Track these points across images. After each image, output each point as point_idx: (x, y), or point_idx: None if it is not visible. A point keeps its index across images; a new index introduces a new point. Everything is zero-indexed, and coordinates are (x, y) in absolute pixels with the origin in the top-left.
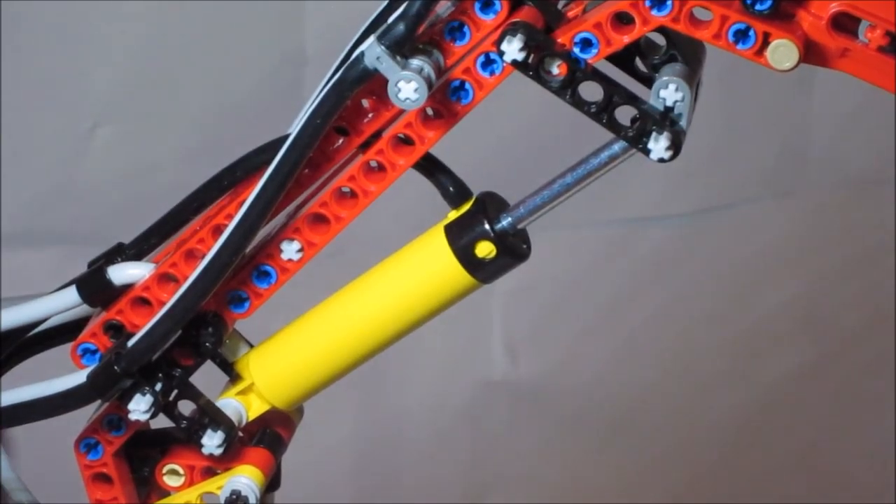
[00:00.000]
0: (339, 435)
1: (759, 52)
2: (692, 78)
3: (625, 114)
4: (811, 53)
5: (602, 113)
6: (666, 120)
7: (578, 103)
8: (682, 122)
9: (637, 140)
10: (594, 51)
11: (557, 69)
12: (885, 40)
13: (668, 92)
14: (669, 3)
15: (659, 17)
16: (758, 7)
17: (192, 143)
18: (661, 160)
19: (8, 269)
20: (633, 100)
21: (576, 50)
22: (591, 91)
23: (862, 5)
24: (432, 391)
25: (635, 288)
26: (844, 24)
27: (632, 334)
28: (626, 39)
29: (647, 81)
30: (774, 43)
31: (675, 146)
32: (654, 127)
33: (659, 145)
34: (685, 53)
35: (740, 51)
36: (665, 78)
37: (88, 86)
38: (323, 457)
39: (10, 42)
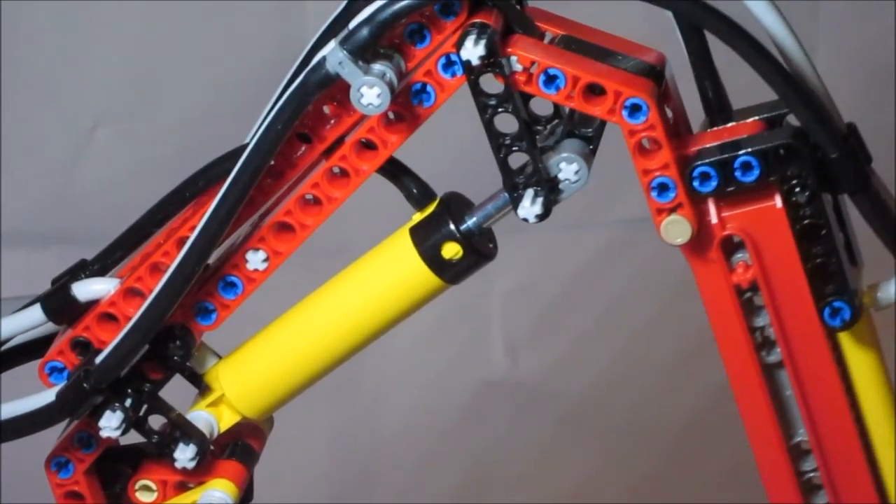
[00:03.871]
0: (339, 435)
1: (662, 211)
2: (591, 162)
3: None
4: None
5: (503, 148)
6: (550, 188)
7: (491, 126)
8: (562, 197)
9: (514, 188)
10: (552, 91)
11: (497, 82)
12: (747, 284)
13: (569, 170)
14: (643, 115)
15: (630, 122)
16: (700, 187)
17: (192, 143)
18: (525, 219)
19: (8, 269)
20: (534, 152)
21: (541, 80)
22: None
23: (761, 242)
24: (432, 391)
25: (635, 287)
26: (728, 244)
27: (631, 334)
28: (592, 111)
29: (535, 122)
30: (677, 217)
31: (545, 214)
32: (537, 187)
33: (533, 208)
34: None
35: (652, 198)
36: (572, 155)
37: (88, 86)
38: (321, 456)
39: (10, 42)
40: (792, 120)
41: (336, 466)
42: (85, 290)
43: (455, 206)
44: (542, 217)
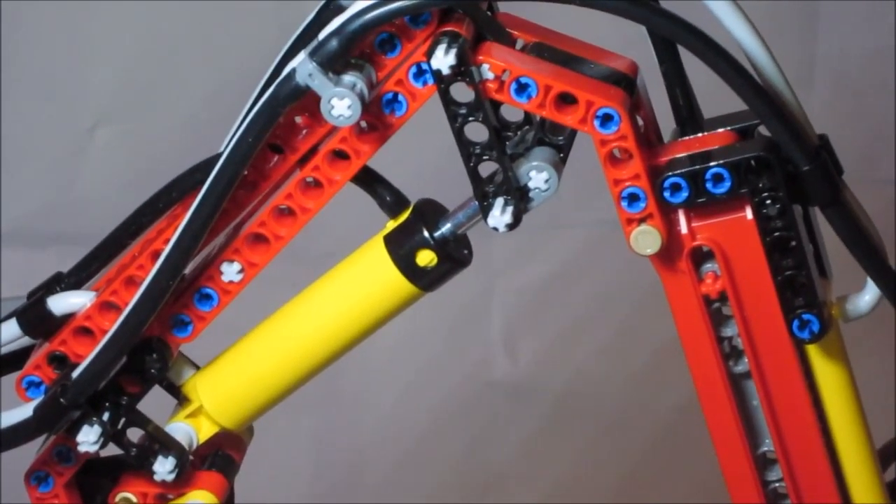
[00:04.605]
0: (338, 434)
1: (632, 221)
2: (560, 171)
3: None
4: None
5: (473, 157)
6: (520, 197)
7: (461, 135)
8: (532, 205)
9: (484, 197)
10: (523, 100)
11: (470, 89)
12: (716, 295)
13: (539, 179)
14: (615, 125)
15: (601, 132)
16: (671, 198)
17: (192, 143)
18: (495, 229)
19: (8, 269)
20: (504, 161)
21: (512, 88)
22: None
23: (730, 253)
24: (431, 390)
25: (635, 286)
26: (697, 254)
27: (632, 332)
28: (564, 120)
29: (505, 129)
30: (647, 228)
31: (515, 223)
32: (506, 196)
33: (503, 217)
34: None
35: (623, 208)
36: (542, 164)
37: (88, 86)
38: (320, 456)
39: (10, 42)
40: (764, 130)
41: (331, 465)
42: (60, 303)
43: (429, 213)
44: (511, 226)
